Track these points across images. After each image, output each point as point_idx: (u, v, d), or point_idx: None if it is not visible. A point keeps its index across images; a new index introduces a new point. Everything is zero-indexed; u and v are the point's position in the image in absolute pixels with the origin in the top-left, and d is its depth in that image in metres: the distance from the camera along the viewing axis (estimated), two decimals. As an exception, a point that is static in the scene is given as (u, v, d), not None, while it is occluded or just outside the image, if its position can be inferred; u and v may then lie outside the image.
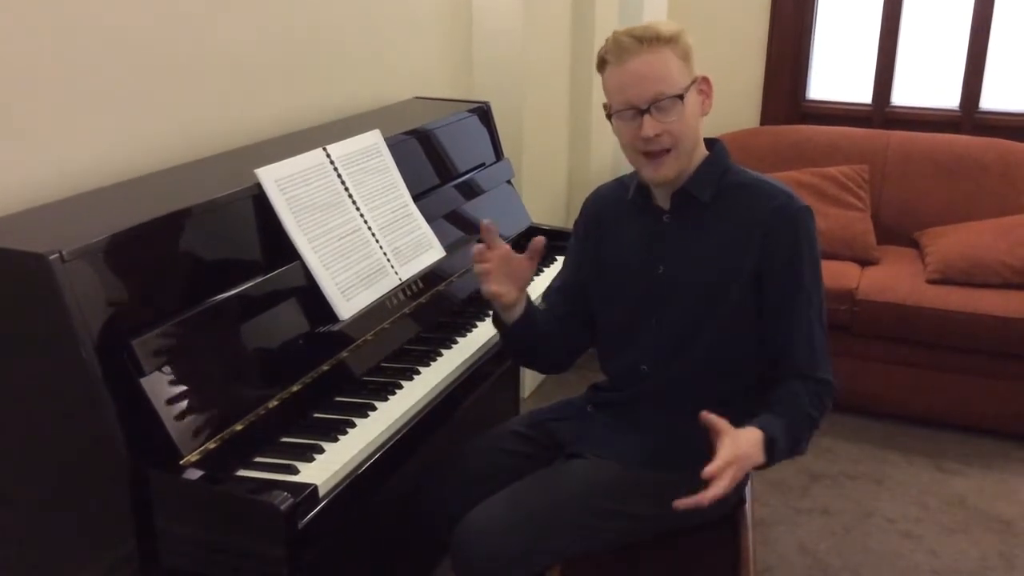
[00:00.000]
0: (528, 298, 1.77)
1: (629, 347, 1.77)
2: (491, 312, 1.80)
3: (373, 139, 2.00)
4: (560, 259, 2.17)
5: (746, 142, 3.68)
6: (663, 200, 1.73)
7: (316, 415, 1.61)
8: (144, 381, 1.36)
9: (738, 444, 1.47)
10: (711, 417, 1.50)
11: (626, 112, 1.62)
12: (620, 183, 1.84)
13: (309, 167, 1.80)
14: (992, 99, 3.68)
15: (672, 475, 1.64)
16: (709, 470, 1.42)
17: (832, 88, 3.95)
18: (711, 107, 1.68)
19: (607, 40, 1.63)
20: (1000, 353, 2.99)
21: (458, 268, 2.09)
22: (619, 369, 1.82)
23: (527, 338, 1.79)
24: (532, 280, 1.77)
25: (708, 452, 1.46)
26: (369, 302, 1.80)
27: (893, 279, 3.18)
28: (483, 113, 2.56)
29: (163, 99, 1.90)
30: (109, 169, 1.79)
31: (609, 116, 1.66)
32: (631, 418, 1.77)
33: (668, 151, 1.62)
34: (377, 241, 1.89)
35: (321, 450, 1.49)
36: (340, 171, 1.87)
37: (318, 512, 1.38)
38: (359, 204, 1.88)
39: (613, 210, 1.81)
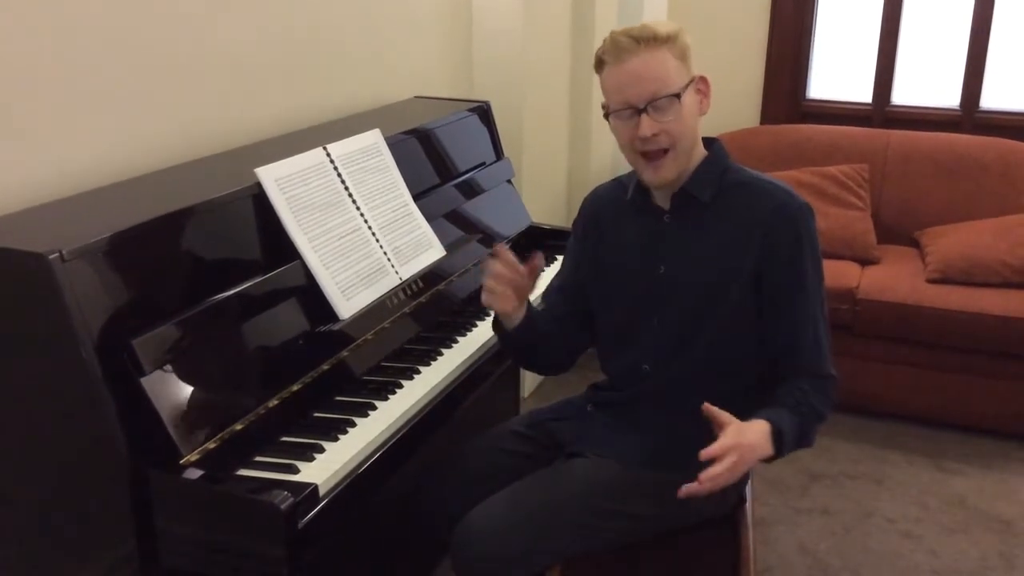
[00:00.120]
0: (528, 302, 1.77)
1: (629, 347, 1.77)
2: (491, 314, 1.80)
3: (373, 138, 2.00)
4: (560, 259, 2.17)
5: (746, 142, 3.68)
6: (663, 200, 1.73)
7: (316, 414, 1.61)
8: (144, 381, 1.36)
9: (743, 434, 1.48)
10: (713, 409, 1.50)
11: (624, 112, 1.62)
12: (618, 183, 1.84)
13: (309, 166, 1.80)
14: (992, 98, 3.68)
15: (672, 475, 1.64)
16: (707, 451, 1.43)
17: (832, 87, 3.95)
18: (709, 107, 1.69)
19: (604, 40, 1.64)
20: (1000, 353, 2.99)
21: (458, 267, 2.09)
22: (619, 369, 1.82)
23: (527, 340, 1.79)
24: (534, 290, 1.77)
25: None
26: (369, 301, 1.80)
27: (893, 279, 3.18)
28: (483, 113, 2.56)
29: (163, 99, 1.90)
30: (109, 169, 1.79)
31: (607, 116, 1.66)
32: (631, 418, 1.77)
33: (666, 151, 1.63)
34: (377, 240, 1.89)
35: (321, 449, 1.49)
36: (340, 170, 1.87)
37: (318, 512, 1.38)
38: (359, 203, 1.88)
39: (612, 210, 1.81)
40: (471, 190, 2.33)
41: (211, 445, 1.41)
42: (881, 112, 3.82)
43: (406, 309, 1.89)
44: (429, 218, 2.06)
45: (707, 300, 1.68)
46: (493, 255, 1.70)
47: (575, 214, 1.91)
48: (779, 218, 1.64)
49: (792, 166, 3.56)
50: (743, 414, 1.55)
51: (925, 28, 3.72)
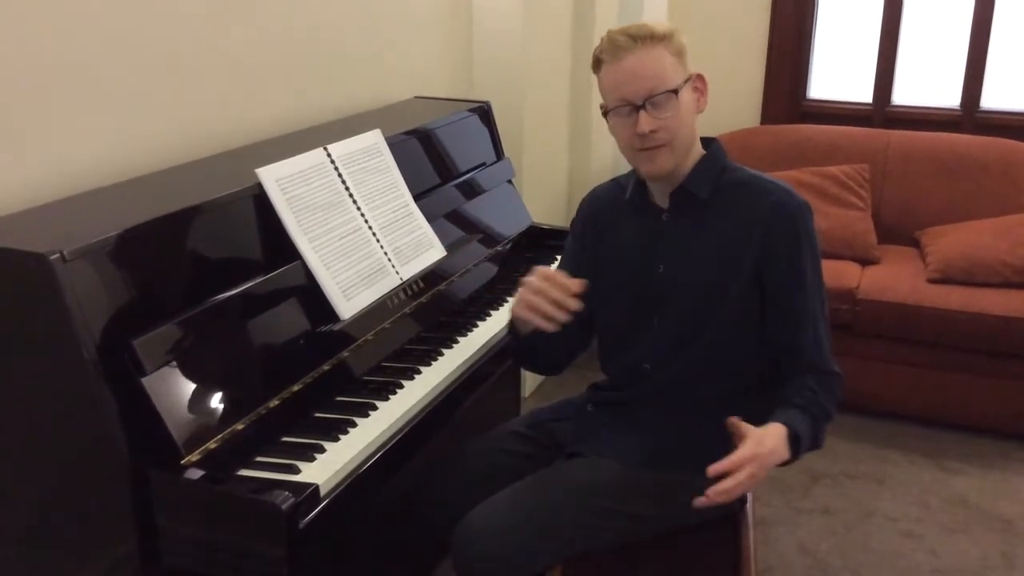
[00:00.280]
0: None
1: (630, 346, 1.77)
2: (491, 315, 1.80)
3: (374, 139, 2.00)
4: (559, 259, 2.17)
5: (746, 141, 3.69)
6: (661, 199, 1.73)
7: (317, 415, 1.61)
8: (145, 381, 1.36)
9: (762, 443, 1.46)
10: (735, 421, 1.49)
11: (622, 109, 1.62)
12: (616, 183, 1.84)
13: (310, 167, 1.80)
14: (993, 98, 3.68)
15: (672, 475, 1.64)
16: (716, 467, 1.42)
17: (832, 87, 3.95)
18: (706, 104, 1.69)
19: (602, 40, 1.64)
20: (1001, 353, 2.99)
21: (459, 268, 2.09)
22: (619, 369, 1.82)
23: (534, 343, 1.79)
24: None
25: (726, 455, 1.44)
26: (370, 302, 1.80)
27: (894, 278, 3.18)
28: (483, 113, 2.56)
29: (163, 99, 1.90)
30: (109, 169, 1.79)
31: (605, 115, 1.67)
32: (631, 418, 1.77)
33: (663, 147, 1.63)
34: (378, 240, 1.89)
35: (322, 449, 1.49)
36: (341, 171, 1.87)
37: (319, 512, 1.38)
38: (360, 204, 1.88)
39: (610, 210, 1.81)
40: (471, 190, 2.33)
41: (212, 445, 1.41)
42: (881, 112, 3.82)
43: (407, 309, 1.89)
44: (430, 218, 2.05)
45: (707, 299, 1.68)
46: (575, 289, 1.59)
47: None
48: (778, 216, 1.64)
49: (792, 166, 3.56)
50: (743, 414, 1.54)
51: (925, 28, 3.72)
